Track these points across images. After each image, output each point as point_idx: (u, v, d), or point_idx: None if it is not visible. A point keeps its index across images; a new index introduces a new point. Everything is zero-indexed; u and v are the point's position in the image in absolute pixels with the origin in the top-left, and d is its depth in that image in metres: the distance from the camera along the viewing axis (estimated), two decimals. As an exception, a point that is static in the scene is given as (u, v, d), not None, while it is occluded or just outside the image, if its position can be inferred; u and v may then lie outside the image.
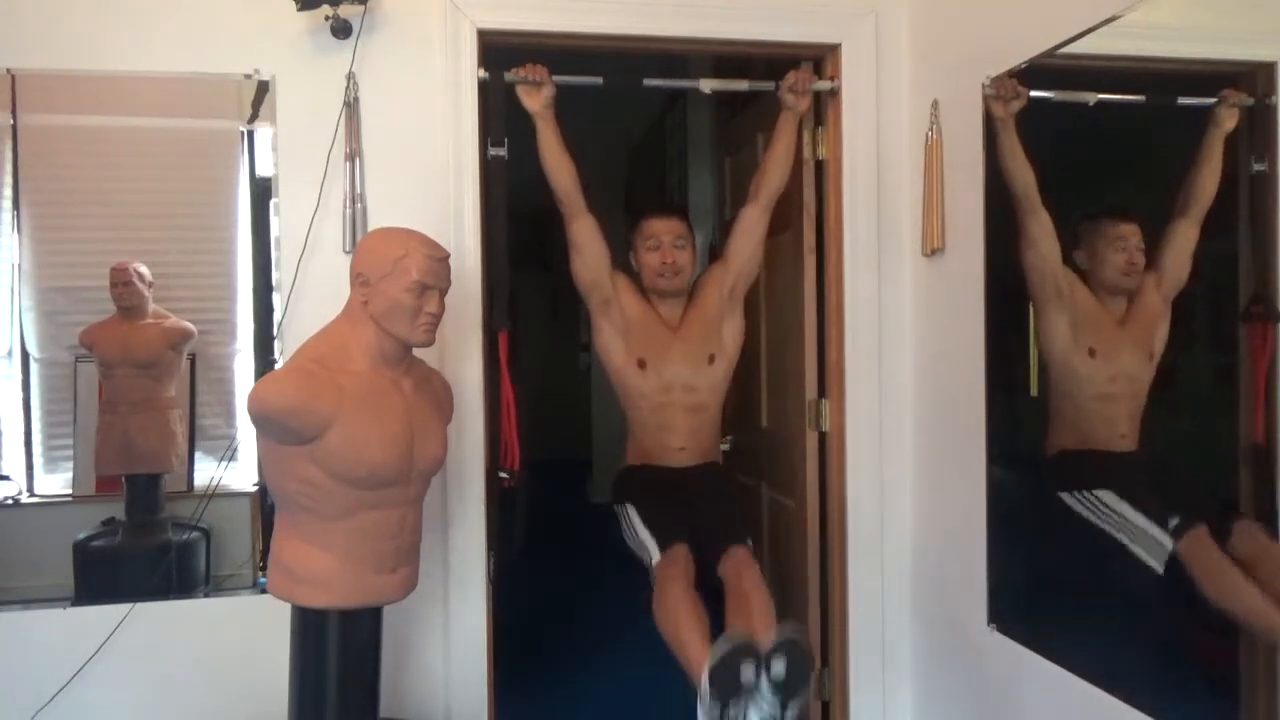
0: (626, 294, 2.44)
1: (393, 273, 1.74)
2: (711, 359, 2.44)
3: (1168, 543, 1.66)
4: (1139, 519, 1.74)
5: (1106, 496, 1.79)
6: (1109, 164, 1.84)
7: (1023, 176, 1.96)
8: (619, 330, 2.43)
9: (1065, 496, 1.87)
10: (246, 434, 2.23)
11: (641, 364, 2.41)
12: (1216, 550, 1.56)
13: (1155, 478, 1.78)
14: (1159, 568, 1.67)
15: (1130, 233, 1.77)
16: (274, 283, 2.24)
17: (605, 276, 2.40)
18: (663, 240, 2.41)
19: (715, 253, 2.59)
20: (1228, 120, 1.51)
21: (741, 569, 2.17)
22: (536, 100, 2.28)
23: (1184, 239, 1.61)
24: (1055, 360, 1.92)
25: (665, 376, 2.41)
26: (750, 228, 2.45)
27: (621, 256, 2.48)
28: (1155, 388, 1.71)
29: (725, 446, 2.59)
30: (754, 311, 2.61)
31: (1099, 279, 1.82)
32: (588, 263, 2.37)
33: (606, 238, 2.39)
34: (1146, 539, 1.71)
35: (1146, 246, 1.73)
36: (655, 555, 2.20)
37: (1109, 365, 1.83)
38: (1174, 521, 1.66)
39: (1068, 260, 1.87)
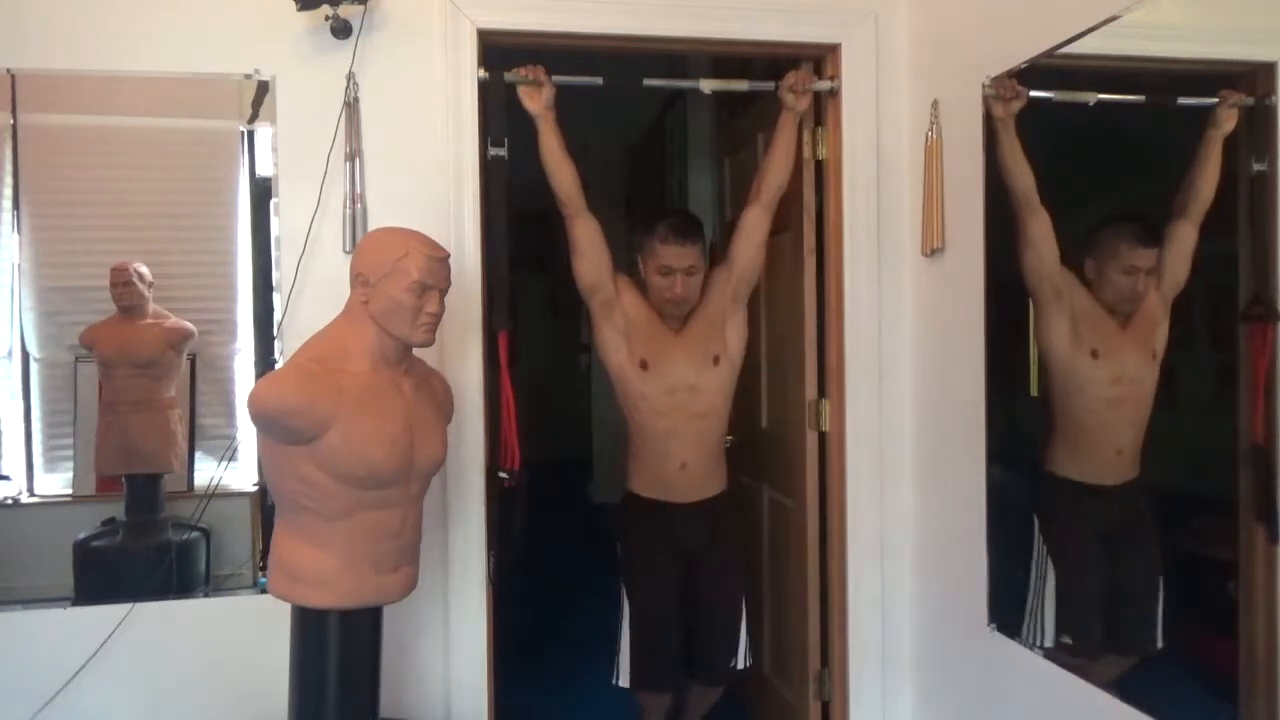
0: (629, 295, 2.43)
1: (393, 273, 1.74)
2: (716, 360, 2.43)
3: None
4: None
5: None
6: (1109, 164, 1.84)
7: (1022, 177, 1.96)
8: (621, 331, 2.42)
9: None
10: (246, 434, 2.23)
11: (644, 365, 2.40)
12: None
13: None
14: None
15: (1145, 260, 1.67)
16: (274, 283, 2.23)
17: (607, 278, 2.39)
18: (675, 270, 2.37)
19: (715, 253, 2.58)
20: (1227, 120, 1.51)
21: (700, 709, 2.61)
22: (537, 102, 2.28)
23: (1183, 239, 1.60)
24: (1057, 361, 1.92)
25: (668, 378, 2.40)
26: (752, 229, 2.45)
27: (623, 257, 2.48)
28: (1159, 392, 1.69)
29: (727, 445, 2.59)
30: (754, 311, 2.61)
31: (1101, 295, 1.80)
32: (589, 264, 2.37)
33: (608, 238, 2.39)
34: None
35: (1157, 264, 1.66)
36: (627, 678, 2.47)
37: (1113, 366, 1.82)
38: None
39: (1073, 263, 1.85)
